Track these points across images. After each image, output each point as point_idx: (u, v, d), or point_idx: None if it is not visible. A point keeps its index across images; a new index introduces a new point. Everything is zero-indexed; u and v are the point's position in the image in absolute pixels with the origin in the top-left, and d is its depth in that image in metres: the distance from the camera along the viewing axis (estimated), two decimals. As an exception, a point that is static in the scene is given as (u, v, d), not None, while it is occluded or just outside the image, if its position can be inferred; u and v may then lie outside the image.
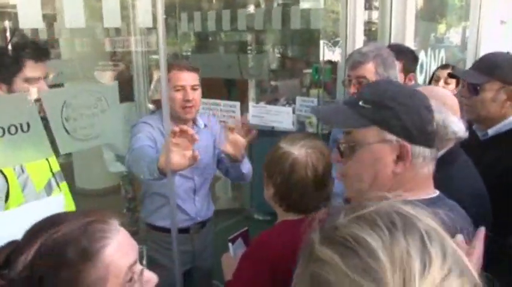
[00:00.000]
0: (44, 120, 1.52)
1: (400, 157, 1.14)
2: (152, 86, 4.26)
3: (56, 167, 2.03)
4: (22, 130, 1.39)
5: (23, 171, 1.77)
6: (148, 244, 2.58)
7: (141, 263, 1.03)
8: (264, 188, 1.64)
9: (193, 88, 2.40)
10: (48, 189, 1.92)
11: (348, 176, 1.22)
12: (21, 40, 1.85)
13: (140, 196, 2.58)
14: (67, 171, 5.80)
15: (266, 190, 1.61)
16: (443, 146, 1.64)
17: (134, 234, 3.43)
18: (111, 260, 0.92)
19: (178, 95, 2.36)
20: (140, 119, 2.47)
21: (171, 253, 2.38)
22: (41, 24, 1.37)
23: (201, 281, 2.78)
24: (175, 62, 2.49)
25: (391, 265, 0.61)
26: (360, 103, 1.16)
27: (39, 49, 1.81)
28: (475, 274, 0.66)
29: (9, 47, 1.82)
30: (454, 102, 1.68)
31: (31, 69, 1.76)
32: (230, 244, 1.77)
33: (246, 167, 2.54)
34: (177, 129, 1.73)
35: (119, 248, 0.95)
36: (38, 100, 1.56)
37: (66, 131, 1.53)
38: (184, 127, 1.75)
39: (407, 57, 2.84)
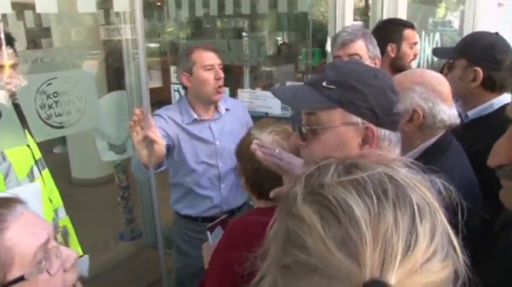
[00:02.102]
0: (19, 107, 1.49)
1: (366, 140, 1.10)
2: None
3: (38, 154, 2.00)
4: (-6, 118, 1.37)
5: (4, 159, 1.74)
6: (175, 231, 2.62)
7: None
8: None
9: (220, 67, 2.38)
10: (31, 177, 1.87)
11: (310, 162, 1.18)
12: None
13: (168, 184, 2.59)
14: (63, 161, 5.85)
15: (239, 177, 1.59)
16: (432, 135, 1.59)
17: (130, 222, 3.47)
18: (13, 243, 0.89)
19: (210, 75, 2.32)
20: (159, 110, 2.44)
21: (195, 241, 2.42)
22: (8, 10, 1.33)
23: None
24: (196, 45, 2.46)
25: (373, 240, 0.56)
26: (324, 84, 1.11)
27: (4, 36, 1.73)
28: (460, 256, 0.62)
29: None
30: (445, 87, 1.60)
31: None
32: (208, 233, 1.76)
33: None
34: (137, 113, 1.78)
35: (22, 229, 0.92)
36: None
37: (41, 118, 1.51)
38: (137, 111, 1.78)
39: None
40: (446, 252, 0.59)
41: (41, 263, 0.91)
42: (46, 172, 2.00)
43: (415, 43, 2.78)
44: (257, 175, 1.49)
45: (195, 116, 2.40)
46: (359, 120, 1.09)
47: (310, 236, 0.60)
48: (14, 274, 0.87)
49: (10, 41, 1.72)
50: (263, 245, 0.71)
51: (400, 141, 1.16)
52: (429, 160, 1.64)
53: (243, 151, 1.55)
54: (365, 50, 2.30)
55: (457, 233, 0.64)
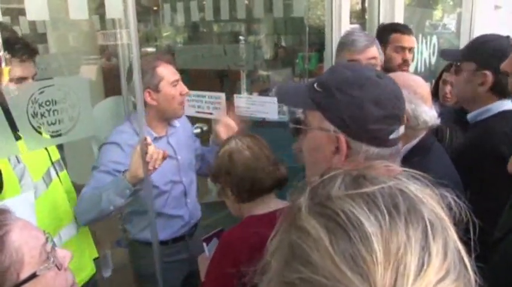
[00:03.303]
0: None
1: (337, 150, 1.08)
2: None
3: (56, 156, 2.03)
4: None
5: (18, 161, 1.75)
6: (141, 261, 2.47)
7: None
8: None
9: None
10: (47, 178, 1.91)
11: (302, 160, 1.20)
12: (7, 37, 1.79)
13: (125, 215, 2.46)
14: (60, 166, 5.82)
15: (227, 199, 1.65)
16: (414, 136, 1.64)
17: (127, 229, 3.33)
18: (20, 243, 0.93)
19: (177, 91, 2.23)
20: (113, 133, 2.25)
21: (167, 265, 2.29)
22: (-1, 17, 1.32)
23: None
24: (158, 56, 2.38)
25: (385, 258, 0.53)
26: (315, 85, 1.11)
27: (25, 48, 1.74)
28: (472, 277, 0.58)
29: None
30: (425, 90, 1.66)
31: (17, 69, 1.68)
32: (205, 244, 1.75)
33: None
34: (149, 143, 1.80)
35: (24, 231, 0.96)
36: None
37: (33, 127, 1.48)
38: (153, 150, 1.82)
39: None
40: (459, 271, 0.56)
41: (49, 260, 0.96)
42: (64, 174, 2.05)
43: (403, 47, 2.76)
44: (237, 176, 1.57)
45: (155, 134, 2.28)
46: (331, 127, 1.07)
47: (317, 251, 0.57)
48: (25, 272, 0.92)
49: (32, 52, 1.78)
50: (262, 258, 0.68)
51: (386, 158, 1.08)
52: (413, 161, 1.69)
53: (217, 168, 1.64)
54: (378, 55, 2.37)
55: (467, 251, 0.61)
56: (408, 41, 2.79)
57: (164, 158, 1.86)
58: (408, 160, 1.62)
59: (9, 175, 1.70)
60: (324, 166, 1.06)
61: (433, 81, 3.26)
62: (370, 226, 0.55)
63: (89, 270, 2.11)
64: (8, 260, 0.90)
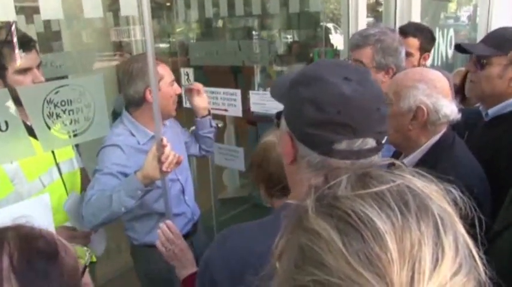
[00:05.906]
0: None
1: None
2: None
3: (65, 156, 2.03)
4: (0, 129, 1.33)
5: (11, 162, 1.72)
6: (149, 265, 2.41)
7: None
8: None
9: None
10: (47, 179, 1.90)
11: None
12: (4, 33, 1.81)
13: (125, 223, 2.42)
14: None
15: (260, 189, 1.58)
16: (436, 131, 1.62)
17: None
18: (73, 251, 0.94)
19: (173, 91, 2.25)
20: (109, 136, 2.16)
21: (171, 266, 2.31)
22: (13, 17, 1.30)
23: None
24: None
25: (400, 256, 0.53)
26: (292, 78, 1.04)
27: (22, 39, 1.76)
28: (482, 270, 0.58)
29: None
30: (445, 84, 1.63)
31: (19, 60, 1.71)
32: None
33: (213, 122, 2.61)
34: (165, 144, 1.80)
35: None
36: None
37: (49, 128, 1.47)
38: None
39: (425, 36, 2.74)
40: (469, 265, 0.57)
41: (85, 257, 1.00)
42: (70, 174, 2.05)
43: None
44: (267, 172, 1.49)
45: (151, 133, 2.22)
46: (284, 124, 1.02)
47: (330, 252, 0.56)
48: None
49: (30, 41, 1.80)
50: (268, 263, 0.67)
51: (329, 169, 0.94)
52: (438, 156, 1.65)
53: (252, 160, 1.57)
54: (370, 59, 2.15)
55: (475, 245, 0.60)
56: (408, 44, 2.60)
57: (178, 163, 1.85)
58: (432, 156, 1.59)
59: (1, 174, 1.71)
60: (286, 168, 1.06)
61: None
62: (382, 224, 0.55)
63: None
64: (72, 262, 0.91)
